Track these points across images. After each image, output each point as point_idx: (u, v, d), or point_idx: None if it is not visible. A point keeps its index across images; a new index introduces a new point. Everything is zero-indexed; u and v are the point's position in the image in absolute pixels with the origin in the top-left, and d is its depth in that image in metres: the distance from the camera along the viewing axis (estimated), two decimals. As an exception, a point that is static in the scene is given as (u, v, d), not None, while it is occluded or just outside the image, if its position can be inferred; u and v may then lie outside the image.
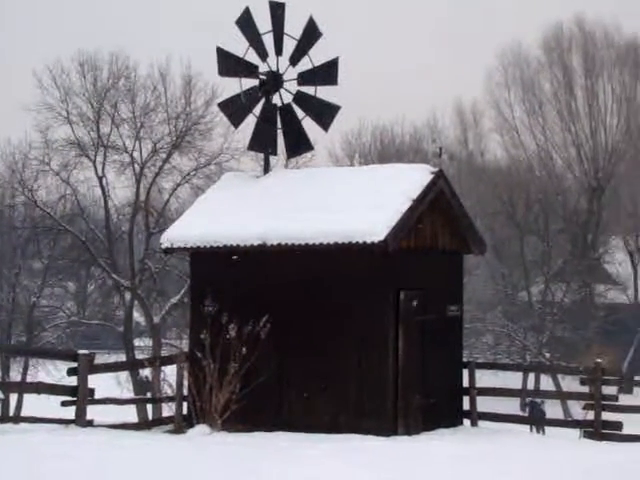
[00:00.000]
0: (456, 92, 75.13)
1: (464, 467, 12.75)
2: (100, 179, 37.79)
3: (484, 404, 18.61)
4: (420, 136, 70.40)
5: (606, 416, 16.99)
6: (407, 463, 13.07)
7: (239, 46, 19.01)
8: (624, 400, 33.96)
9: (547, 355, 44.12)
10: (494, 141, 61.17)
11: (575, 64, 54.66)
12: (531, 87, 55.73)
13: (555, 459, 13.65)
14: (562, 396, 24.93)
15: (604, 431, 16.50)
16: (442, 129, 73.73)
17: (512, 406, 36.48)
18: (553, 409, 32.16)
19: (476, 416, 17.86)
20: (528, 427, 22.93)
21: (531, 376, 40.73)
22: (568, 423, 19.17)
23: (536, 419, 24.11)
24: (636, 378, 46.24)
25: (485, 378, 27.02)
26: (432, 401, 16.70)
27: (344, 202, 17.18)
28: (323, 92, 19.60)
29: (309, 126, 19.69)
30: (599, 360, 17.38)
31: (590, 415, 16.94)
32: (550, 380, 41.06)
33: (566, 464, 13.15)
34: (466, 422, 18.01)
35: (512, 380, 37.54)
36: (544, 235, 47.32)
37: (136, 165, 37.77)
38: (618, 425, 16.58)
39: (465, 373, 18.29)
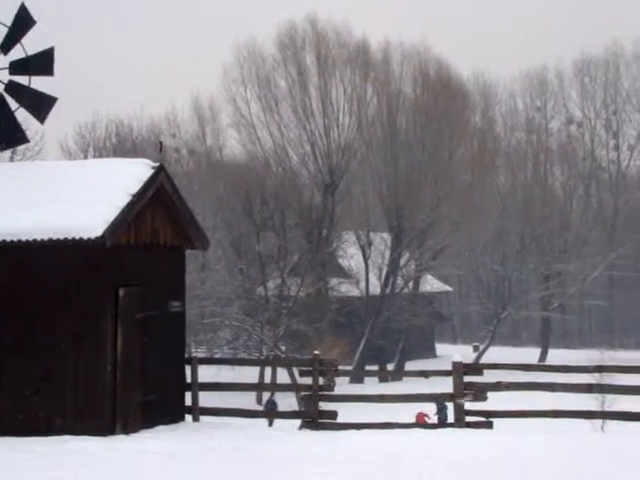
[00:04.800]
0: (194, 86, 75.13)
1: (174, 464, 12.75)
2: None
3: (224, 399, 18.63)
4: (158, 130, 70.05)
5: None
6: (119, 463, 12.87)
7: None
8: (356, 389, 35.25)
9: (283, 348, 44.91)
10: (232, 137, 61.44)
11: (309, 63, 55.76)
12: (267, 84, 56.34)
13: (261, 450, 13.96)
14: (283, 388, 25.46)
15: (321, 420, 16.88)
16: (181, 123, 73.75)
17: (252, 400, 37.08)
18: (289, 401, 32.71)
19: (198, 411, 17.83)
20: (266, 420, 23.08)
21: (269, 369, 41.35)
22: (290, 414, 19.46)
23: (266, 412, 24.38)
24: (367, 368, 48.56)
25: (223, 373, 27.14)
26: (153, 398, 16.53)
27: (61, 196, 16.69)
28: (54, 84, 18.93)
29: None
30: (316, 352, 17.77)
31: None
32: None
33: (267, 455, 13.53)
34: (188, 418, 17.94)
35: (250, 374, 38.09)
36: (280, 230, 48.03)
37: None
38: (333, 414, 17.01)
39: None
